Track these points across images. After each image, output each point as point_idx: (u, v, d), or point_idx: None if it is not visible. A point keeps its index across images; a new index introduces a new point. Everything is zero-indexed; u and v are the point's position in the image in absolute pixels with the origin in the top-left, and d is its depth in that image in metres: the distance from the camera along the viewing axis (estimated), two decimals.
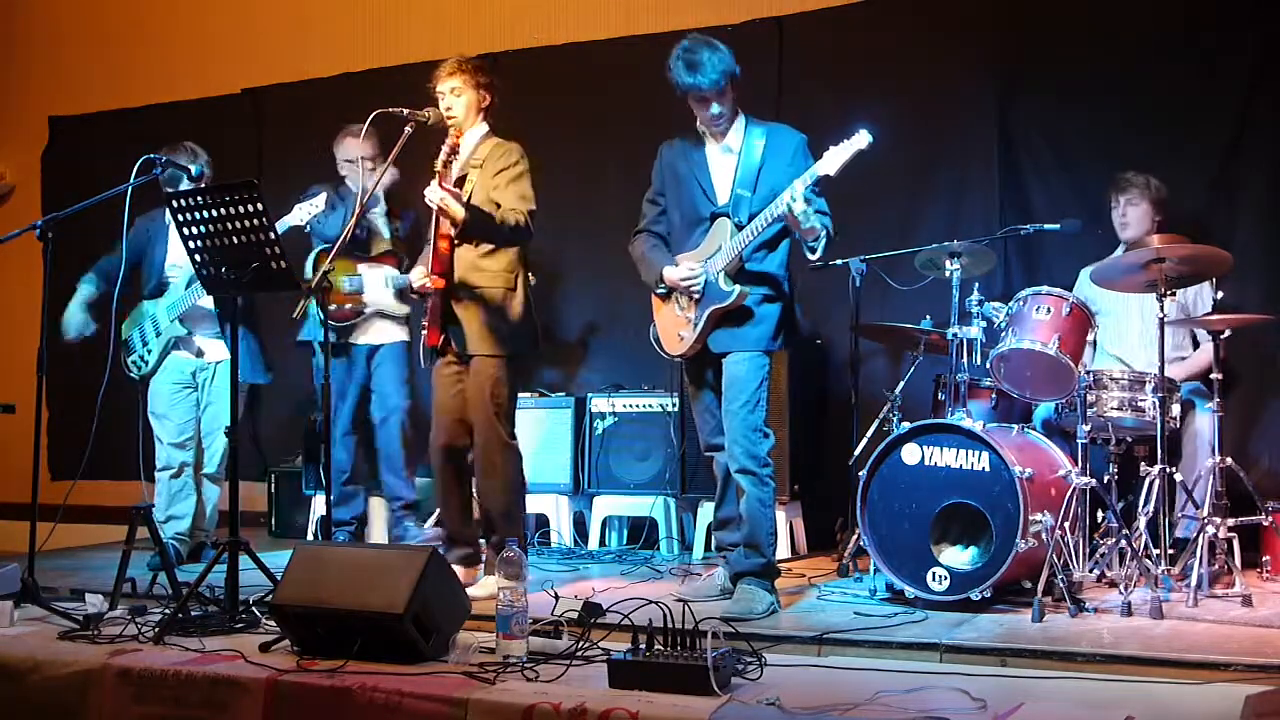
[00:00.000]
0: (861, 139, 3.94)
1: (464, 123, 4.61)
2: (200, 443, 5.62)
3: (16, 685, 3.68)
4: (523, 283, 4.61)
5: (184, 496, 5.53)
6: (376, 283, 5.69)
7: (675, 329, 4.39)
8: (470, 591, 4.39)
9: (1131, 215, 5.04)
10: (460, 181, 4.55)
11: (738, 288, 4.18)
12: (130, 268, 5.44)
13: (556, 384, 6.49)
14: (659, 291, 4.42)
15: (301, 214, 5.42)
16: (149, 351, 5.56)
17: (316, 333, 5.46)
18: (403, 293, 5.65)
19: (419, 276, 4.58)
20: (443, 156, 4.52)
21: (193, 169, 5.11)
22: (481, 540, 4.70)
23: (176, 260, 5.50)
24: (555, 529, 5.95)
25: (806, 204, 3.96)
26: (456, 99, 4.59)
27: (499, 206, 4.48)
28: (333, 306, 5.54)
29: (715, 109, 4.20)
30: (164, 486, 5.51)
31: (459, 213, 4.36)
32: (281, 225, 5.30)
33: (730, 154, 4.29)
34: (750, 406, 4.19)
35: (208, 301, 5.48)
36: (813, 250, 4.13)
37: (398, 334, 5.78)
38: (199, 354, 5.58)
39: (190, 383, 5.60)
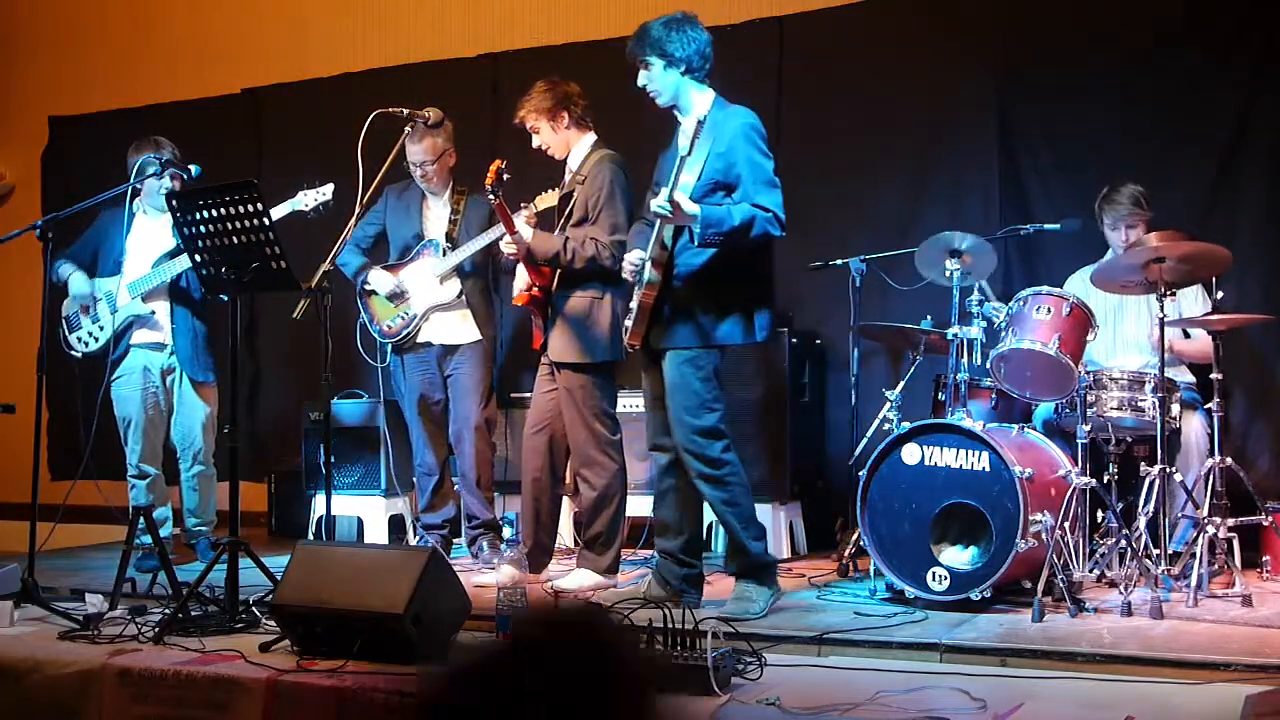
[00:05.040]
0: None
1: (557, 149, 4.78)
2: (183, 447, 5.50)
3: (16, 685, 3.68)
4: (612, 291, 4.67)
5: (160, 500, 5.49)
6: (419, 278, 5.32)
7: (626, 319, 4.32)
8: (560, 584, 4.56)
9: (1133, 239, 5.00)
10: (567, 197, 4.72)
11: (650, 279, 4.08)
12: (92, 254, 5.48)
13: None
14: (626, 278, 4.37)
15: (305, 200, 5.24)
16: (100, 329, 5.42)
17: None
18: (445, 274, 5.29)
19: (520, 286, 4.77)
20: (494, 198, 4.58)
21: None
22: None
23: (134, 244, 5.40)
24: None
25: (676, 205, 3.88)
26: (536, 135, 4.75)
27: (587, 221, 4.59)
28: (385, 326, 5.35)
29: (640, 79, 4.19)
30: (140, 493, 5.44)
31: (534, 262, 4.65)
32: (282, 209, 5.17)
33: (681, 149, 4.12)
34: (692, 411, 4.06)
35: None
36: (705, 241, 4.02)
37: (470, 333, 5.32)
38: (162, 341, 5.43)
39: (158, 385, 5.46)
